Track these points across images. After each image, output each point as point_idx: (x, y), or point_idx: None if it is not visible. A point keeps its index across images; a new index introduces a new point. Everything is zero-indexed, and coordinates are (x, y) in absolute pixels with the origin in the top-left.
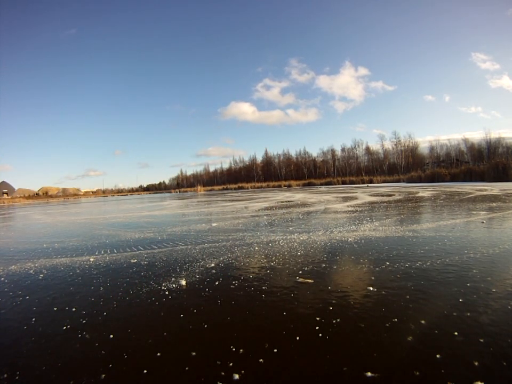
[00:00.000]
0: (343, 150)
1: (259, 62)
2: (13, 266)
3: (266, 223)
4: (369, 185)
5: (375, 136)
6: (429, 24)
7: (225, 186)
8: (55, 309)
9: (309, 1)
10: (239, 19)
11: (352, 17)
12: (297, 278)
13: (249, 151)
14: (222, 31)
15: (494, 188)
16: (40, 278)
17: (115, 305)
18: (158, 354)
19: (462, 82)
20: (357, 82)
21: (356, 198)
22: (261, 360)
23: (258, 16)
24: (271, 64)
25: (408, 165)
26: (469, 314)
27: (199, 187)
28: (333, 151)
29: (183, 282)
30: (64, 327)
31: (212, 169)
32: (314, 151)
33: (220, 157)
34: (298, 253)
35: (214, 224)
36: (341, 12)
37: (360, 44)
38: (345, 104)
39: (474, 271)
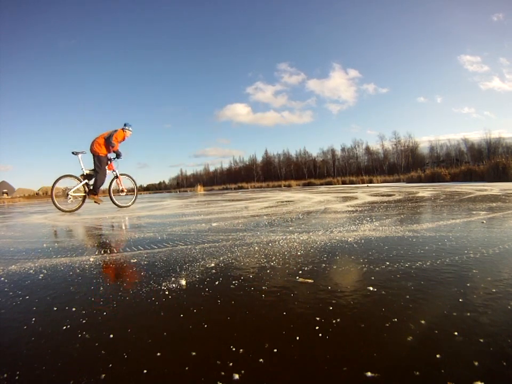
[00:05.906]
0: (343, 149)
1: (249, 67)
2: (13, 266)
3: (266, 223)
4: (369, 185)
5: (374, 136)
6: (416, 27)
7: (225, 186)
8: (55, 308)
9: (296, 5)
10: (230, 24)
11: (339, 21)
12: (297, 278)
13: (245, 151)
14: (215, 35)
15: (494, 188)
16: (40, 277)
17: (115, 305)
18: (158, 354)
19: (452, 84)
20: (349, 85)
21: (356, 198)
22: (261, 360)
23: (248, 21)
24: (261, 69)
25: (408, 165)
26: (469, 314)
27: (199, 187)
28: (333, 151)
29: (183, 282)
30: (64, 327)
31: (211, 169)
32: (314, 151)
33: (218, 157)
34: (298, 253)
35: (214, 224)
36: (328, 16)
37: (348, 46)
38: (340, 106)
39: (474, 271)
